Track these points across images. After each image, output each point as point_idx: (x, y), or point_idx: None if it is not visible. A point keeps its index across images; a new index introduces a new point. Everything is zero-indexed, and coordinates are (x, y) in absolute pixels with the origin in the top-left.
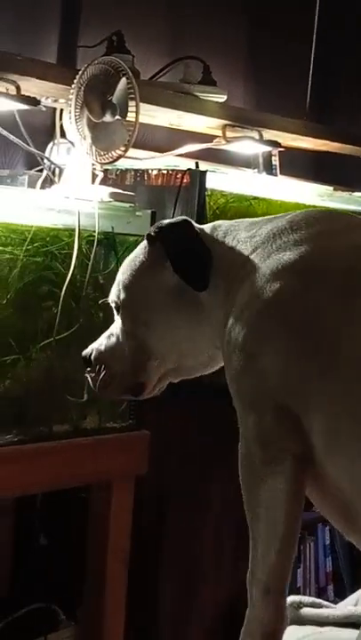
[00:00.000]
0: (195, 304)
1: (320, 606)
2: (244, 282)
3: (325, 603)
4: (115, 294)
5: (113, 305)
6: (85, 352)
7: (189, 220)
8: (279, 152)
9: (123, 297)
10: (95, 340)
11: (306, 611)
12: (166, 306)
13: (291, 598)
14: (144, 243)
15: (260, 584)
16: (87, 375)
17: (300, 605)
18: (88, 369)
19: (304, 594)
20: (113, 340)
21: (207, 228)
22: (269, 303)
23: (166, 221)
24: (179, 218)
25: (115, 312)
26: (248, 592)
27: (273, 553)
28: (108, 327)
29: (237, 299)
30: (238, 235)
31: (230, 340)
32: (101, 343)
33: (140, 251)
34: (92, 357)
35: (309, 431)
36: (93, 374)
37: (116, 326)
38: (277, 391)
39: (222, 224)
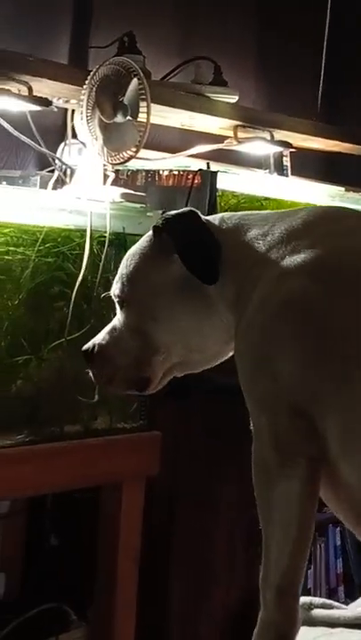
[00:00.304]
0: (203, 297)
1: (331, 607)
2: (257, 283)
3: (336, 604)
4: (118, 288)
5: (116, 299)
6: (86, 346)
7: (195, 210)
8: (290, 152)
9: (127, 291)
10: None
11: (317, 612)
12: (174, 299)
13: (301, 599)
14: (148, 235)
15: (274, 587)
16: (89, 370)
17: (310, 606)
18: (89, 364)
19: (315, 595)
20: (116, 334)
21: (214, 219)
22: (285, 305)
23: (173, 212)
24: (185, 209)
25: (117, 306)
26: (261, 595)
27: (287, 556)
28: None
29: (251, 300)
30: (250, 231)
31: (244, 342)
32: (104, 338)
33: (144, 243)
34: (95, 352)
35: (324, 433)
36: (95, 370)
37: (119, 320)
38: (293, 394)
39: (231, 217)
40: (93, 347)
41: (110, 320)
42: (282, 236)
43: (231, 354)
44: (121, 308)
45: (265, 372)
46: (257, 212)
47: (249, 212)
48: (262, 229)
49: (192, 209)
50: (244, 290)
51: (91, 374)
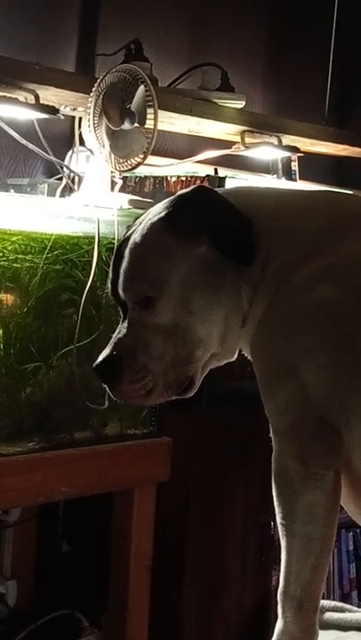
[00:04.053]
0: (223, 280)
1: (342, 610)
2: (281, 284)
3: (348, 606)
4: (141, 288)
5: (136, 301)
6: (100, 362)
7: (205, 186)
8: (298, 157)
9: (155, 288)
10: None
11: (328, 615)
12: (206, 287)
13: None
14: (159, 224)
15: (294, 600)
16: (106, 386)
17: (322, 610)
18: (108, 382)
19: (328, 599)
20: (141, 340)
21: (229, 195)
22: (311, 314)
23: (184, 191)
24: (193, 187)
25: (133, 310)
26: (279, 606)
27: (308, 569)
28: None
29: (274, 303)
30: (274, 218)
31: (267, 349)
32: (123, 348)
33: (156, 232)
34: (125, 366)
35: (351, 445)
36: (123, 386)
37: (142, 324)
38: (319, 405)
39: (248, 193)
40: (111, 362)
41: None
42: (311, 235)
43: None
44: (144, 309)
45: (290, 382)
46: (275, 192)
47: (266, 193)
48: (288, 221)
49: (201, 185)
50: (265, 288)
51: (110, 392)
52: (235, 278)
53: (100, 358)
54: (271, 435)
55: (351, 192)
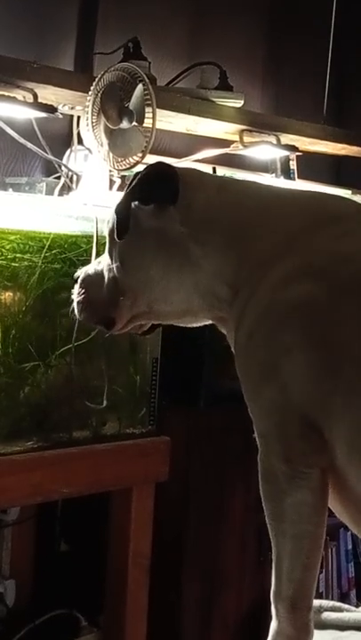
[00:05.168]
0: (179, 254)
1: (341, 610)
2: (260, 282)
3: (346, 606)
4: (110, 226)
5: (108, 237)
6: (77, 273)
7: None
8: (297, 156)
9: (108, 231)
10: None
11: (326, 615)
12: (145, 249)
13: None
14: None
15: (287, 600)
16: (73, 297)
17: (320, 610)
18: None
19: (327, 599)
20: (99, 268)
21: (211, 185)
22: (291, 313)
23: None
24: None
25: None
26: (273, 606)
27: (299, 569)
28: (126, 335)
29: (251, 301)
30: (252, 215)
31: (247, 349)
32: (91, 267)
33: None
34: (79, 279)
35: (333, 443)
36: (78, 297)
37: (106, 255)
38: (301, 405)
39: (232, 187)
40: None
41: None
42: (289, 233)
43: (207, 323)
44: (110, 248)
45: (272, 382)
46: (255, 187)
47: (249, 187)
48: (267, 219)
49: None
50: (244, 285)
51: (74, 300)
52: (199, 258)
53: (83, 269)
54: (255, 436)
55: (350, 191)
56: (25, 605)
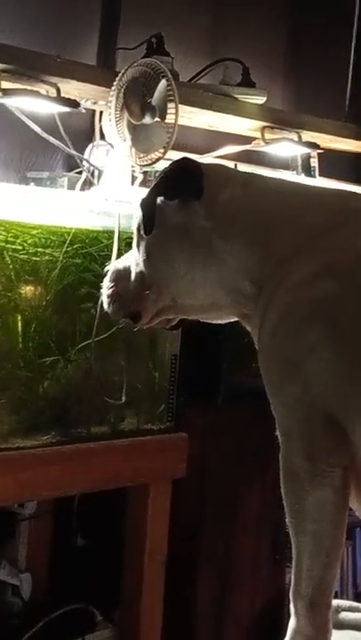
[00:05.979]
0: (205, 247)
1: (358, 610)
2: (284, 279)
3: None
4: (139, 219)
5: (135, 232)
6: (107, 267)
7: (187, 158)
8: (318, 154)
9: (135, 226)
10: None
11: (344, 615)
12: (172, 243)
13: None
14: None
15: (306, 598)
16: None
17: (338, 609)
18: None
19: (341, 598)
20: (127, 262)
21: (236, 181)
22: (315, 311)
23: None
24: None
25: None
26: (292, 604)
27: (319, 567)
28: (146, 331)
29: (275, 298)
30: (277, 212)
31: (270, 345)
32: (120, 262)
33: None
34: (109, 274)
35: (356, 442)
36: (107, 291)
37: (134, 250)
38: (324, 403)
39: (257, 183)
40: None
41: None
42: (313, 230)
43: (232, 320)
44: (137, 243)
45: (295, 380)
46: (279, 184)
47: (274, 184)
48: (291, 218)
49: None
50: (269, 281)
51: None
52: (224, 253)
53: (113, 263)
54: (278, 433)
55: None
56: (40, 599)
